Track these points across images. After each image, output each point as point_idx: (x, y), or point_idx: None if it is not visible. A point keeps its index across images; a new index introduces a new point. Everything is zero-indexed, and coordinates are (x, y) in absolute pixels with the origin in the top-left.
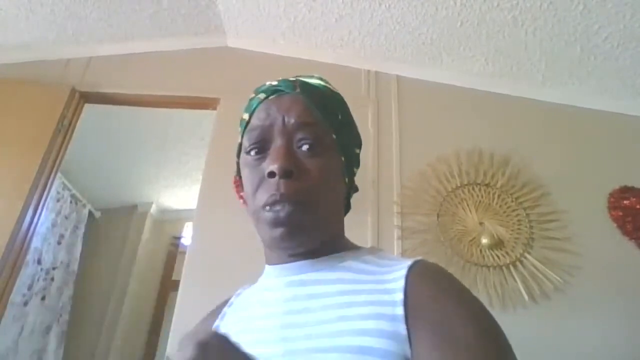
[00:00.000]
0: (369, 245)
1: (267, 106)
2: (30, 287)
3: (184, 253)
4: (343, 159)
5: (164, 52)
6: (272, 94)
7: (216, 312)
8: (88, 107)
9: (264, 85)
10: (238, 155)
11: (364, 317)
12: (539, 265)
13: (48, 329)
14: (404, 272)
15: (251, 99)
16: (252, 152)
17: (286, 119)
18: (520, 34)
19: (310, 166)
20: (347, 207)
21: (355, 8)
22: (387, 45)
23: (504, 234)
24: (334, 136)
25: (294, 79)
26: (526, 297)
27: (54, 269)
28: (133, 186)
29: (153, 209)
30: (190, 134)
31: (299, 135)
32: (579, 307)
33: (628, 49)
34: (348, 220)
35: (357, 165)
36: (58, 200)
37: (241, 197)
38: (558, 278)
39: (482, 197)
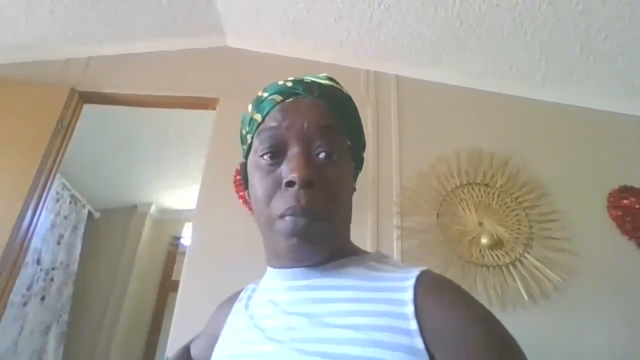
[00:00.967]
0: (368, 246)
1: (284, 109)
2: (29, 288)
3: (183, 253)
4: (354, 164)
5: (163, 52)
6: (289, 96)
7: (230, 301)
8: (87, 107)
9: (278, 85)
10: (246, 156)
11: (378, 329)
12: (539, 265)
13: (47, 329)
14: (412, 282)
15: (263, 99)
16: (266, 156)
17: (305, 125)
18: (519, 34)
19: (329, 176)
20: None
21: (354, 8)
22: (386, 46)
23: (504, 234)
24: (349, 143)
25: (309, 80)
26: (526, 297)
27: (53, 269)
28: (132, 186)
29: (152, 209)
30: (190, 134)
31: (318, 142)
32: (579, 307)
33: (627, 49)
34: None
35: (361, 167)
36: (57, 201)
37: (241, 196)
38: (558, 278)
39: (481, 197)
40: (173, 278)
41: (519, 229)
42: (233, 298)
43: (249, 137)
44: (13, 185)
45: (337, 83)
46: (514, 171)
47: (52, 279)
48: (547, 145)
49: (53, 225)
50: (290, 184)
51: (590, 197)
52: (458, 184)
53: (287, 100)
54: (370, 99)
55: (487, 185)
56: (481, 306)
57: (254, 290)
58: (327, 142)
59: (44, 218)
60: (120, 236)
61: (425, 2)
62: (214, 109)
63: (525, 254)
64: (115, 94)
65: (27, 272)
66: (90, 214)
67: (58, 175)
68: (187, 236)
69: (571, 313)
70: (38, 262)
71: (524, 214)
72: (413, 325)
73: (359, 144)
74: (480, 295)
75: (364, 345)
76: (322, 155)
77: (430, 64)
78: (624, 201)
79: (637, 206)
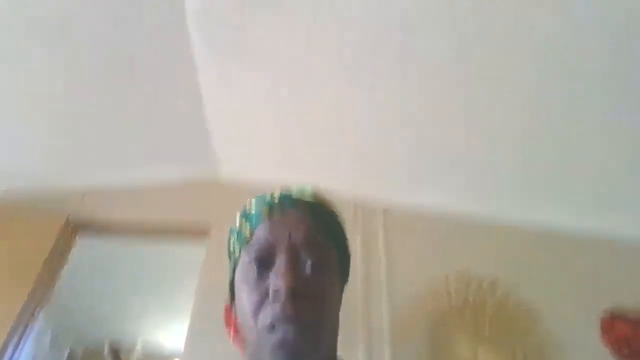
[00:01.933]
0: None
1: (272, 223)
2: None
3: None
4: (341, 276)
5: (157, 182)
6: (277, 210)
7: None
8: (79, 240)
9: (265, 198)
10: (233, 270)
11: None
12: None
13: None
14: None
15: (252, 213)
16: (254, 269)
17: (292, 237)
18: (500, 161)
19: (315, 286)
20: None
21: (341, 140)
22: (373, 176)
23: None
24: (337, 256)
25: (295, 197)
26: None
27: None
28: (118, 323)
29: (139, 346)
30: (180, 271)
31: (305, 254)
32: None
33: (606, 178)
34: (338, 352)
35: (347, 280)
36: (38, 338)
37: (230, 326)
38: None
39: (473, 323)
40: None
41: (512, 355)
42: None
43: (236, 250)
44: None
45: (323, 197)
46: (503, 297)
47: None
48: (535, 270)
49: None
50: (277, 294)
51: (582, 321)
52: (448, 311)
53: (274, 214)
54: (358, 229)
55: (477, 311)
56: None
57: None
58: (313, 255)
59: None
60: None
61: (408, 130)
62: (206, 238)
63: None
64: (108, 224)
65: None
66: (71, 350)
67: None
68: None
69: None
70: None
71: (516, 342)
72: None
73: (347, 257)
74: None
75: None
76: (309, 266)
77: (416, 191)
78: (617, 327)
79: (630, 334)
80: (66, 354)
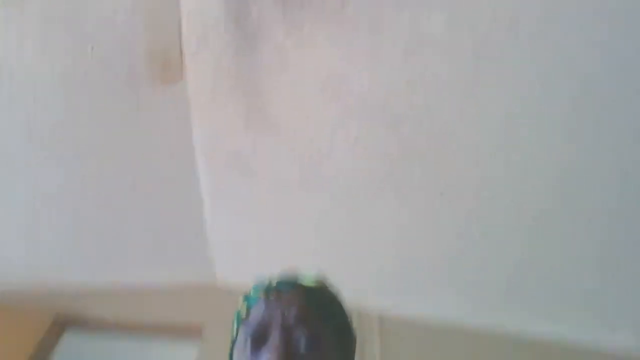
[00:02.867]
0: None
1: (267, 301)
2: None
3: None
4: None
5: (151, 283)
6: (273, 291)
7: None
8: (67, 337)
9: (264, 283)
10: (230, 352)
11: None
12: None
13: None
14: None
15: (249, 294)
16: (248, 348)
17: (285, 313)
18: (493, 268)
19: None
20: None
21: (332, 249)
22: (368, 283)
23: None
24: (335, 338)
25: (293, 279)
26: None
27: None
28: None
29: None
30: None
31: (298, 332)
32: None
33: (605, 290)
34: None
35: None
36: None
37: None
38: None
39: None
40: None
41: None
42: None
43: (234, 330)
44: None
45: (324, 281)
46: None
47: None
48: None
49: None
50: None
51: None
52: None
53: (270, 294)
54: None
55: None
56: None
57: None
58: (307, 332)
59: None
60: None
61: (405, 241)
62: (198, 339)
63: None
64: (99, 321)
65: None
66: None
67: None
68: None
69: None
70: None
71: None
72: None
73: (348, 340)
74: None
75: None
76: (303, 344)
77: (413, 299)
78: None
79: None
80: None
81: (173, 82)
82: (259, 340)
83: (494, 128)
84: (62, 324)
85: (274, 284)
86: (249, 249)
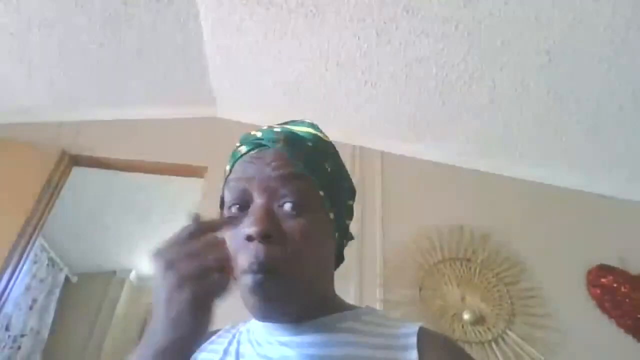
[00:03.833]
0: None
1: (247, 160)
2: None
3: None
4: (332, 215)
5: (155, 120)
6: (254, 147)
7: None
8: (75, 170)
9: (247, 135)
10: (221, 208)
11: None
12: (521, 341)
13: None
14: (413, 340)
15: (234, 150)
16: (234, 209)
17: (268, 175)
18: (497, 115)
19: (292, 228)
20: (341, 259)
21: (341, 85)
22: (372, 123)
23: (486, 310)
24: (322, 192)
25: (279, 129)
26: None
27: (22, 336)
28: (113, 251)
29: (132, 275)
30: (176, 202)
31: (282, 192)
32: None
33: (598, 132)
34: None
35: (350, 217)
36: (35, 263)
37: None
38: (540, 355)
39: (463, 272)
40: None
41: (500, 305)
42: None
43: (223, 188)
44: None
45: (318, 130)
46: (494, 247)
47: (19, 347)
48: (527, 223)
49: (27, 289)
50: (249, 238)
51: (570, 274)
52: (440, 259)
53: (252, 151)
54: (356, 173)
55: (468, 260)
56: None
57: (234, 337)
58: (291, 192)
59: (20, 281)
60: (97, 302)
61: (410, 84)
62: (202, 177)
63: (507, 331)
64: (105, 158)
65: None
66: (67, 277)
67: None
68: None
69: None
70: (7, 328)
71: (505, 290)
72: None
73: (339, 193)
74: None
75: None
76: (287, 206)
77: (415, 140)
78: (603, 280)
79: (615, 285)
80: (62, 280)
81: None
82: (243, 203)
83: None
84: (69, 159)
85: (259, 135)
86: (252, 81)
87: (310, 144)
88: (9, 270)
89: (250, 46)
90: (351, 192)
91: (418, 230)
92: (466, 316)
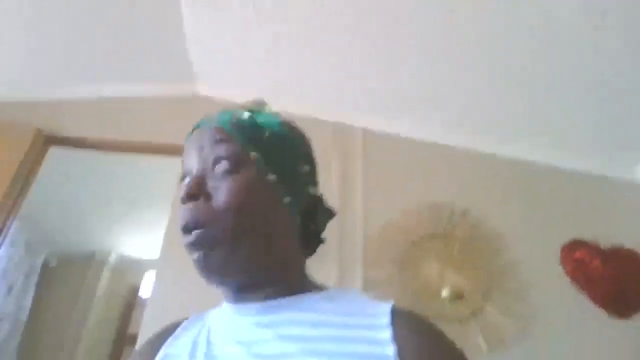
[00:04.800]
0: None
1: (189, 140)
2: None
3: (143, 305)
4: (274, 177)
5: (133, 97)
6: (204, 122)
7: (159, 339)
8: (52, 151)
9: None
10: None
11: None
12: (498, 315)
13: None
14: (387, 319)
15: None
16: (182, 184)
17: (200, 144)
18: (479, 93)
19: (223, 187)
20: (316, 237)
21: (323, 63)
22: (353, 99)
23: (464, 285)
24: (254, 153)
25: (230, 110)
26: (485, 348)
27: None
28: (92, 233)
29: (112, 257)
30: (155, 181)
31: (214, 156)
32: (537, 357)
33: (578, 110)
34: (311, 271)
35: (310, 183)
36: (12, 246)
37: None
38: (516, 328)
39: (443, 249)
40: (130, 331)
41: (478, 279)
42: (162, 336)
43: None
44: None
45: (262, 110)
46: (473, 224)
47: None
48: (505, 199)
49: (4, 272)
50: (182, 200)
51: (545, 249)
52: (421, 236)
53: (200, 127)
54: (337, 151)
55: (447, 236)
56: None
57: (204, 325)
58: (219, 155)
59: None
60: (76, 285)
61: (393, 59)
62: (181, 155)
63: (485, 305)
64: (81, 137)
65: None
66: (45, 260)
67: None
68: (147, 286)
69: None
70: None
71: (483, 265)
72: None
73: (283, 158)
74: None
75: None
76: (219, 168)
77: (397, 117)
78: (575, 254)
79: (587, 259)
80: (40, 263)
81: None
82: (187, 175)
83: None
84: (46, 140)
85: (213, 115)
86: (231, 58)
87: (249, 115)
88: None
89: (231, 21)
90: (305, 157)
91: (399, 208)
92: (445, 293)
